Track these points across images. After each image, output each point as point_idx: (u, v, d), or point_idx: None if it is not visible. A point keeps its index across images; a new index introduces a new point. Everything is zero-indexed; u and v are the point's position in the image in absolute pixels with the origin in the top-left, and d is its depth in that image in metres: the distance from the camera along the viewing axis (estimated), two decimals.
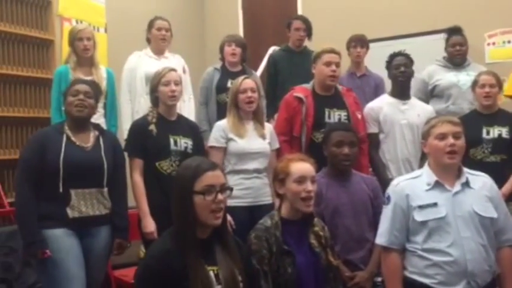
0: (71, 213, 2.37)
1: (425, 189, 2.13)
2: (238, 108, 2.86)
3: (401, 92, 3.22)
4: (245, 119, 2.86)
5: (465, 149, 2.21)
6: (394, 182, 2.25)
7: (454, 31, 3.81)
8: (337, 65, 3.02)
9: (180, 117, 2.86)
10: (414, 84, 3.56)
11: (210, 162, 1.88)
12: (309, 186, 2.10)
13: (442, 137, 2.12)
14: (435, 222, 2.06)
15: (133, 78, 3.59)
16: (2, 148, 3.95)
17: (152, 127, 2.66)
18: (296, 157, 2.21)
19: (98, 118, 3.16)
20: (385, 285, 2.21)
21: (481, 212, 2.08)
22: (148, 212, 2.60)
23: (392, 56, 3.26)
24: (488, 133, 3.08)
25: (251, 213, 2.68)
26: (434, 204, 2.08)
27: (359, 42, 3.98)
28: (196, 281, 1.67)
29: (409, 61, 3.21)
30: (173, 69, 2.83)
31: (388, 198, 2.19)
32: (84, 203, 2.40)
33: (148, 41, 3.73)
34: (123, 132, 3.43)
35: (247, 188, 2.76)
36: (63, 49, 4.10)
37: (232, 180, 2.67)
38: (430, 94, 3.75)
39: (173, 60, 3.67)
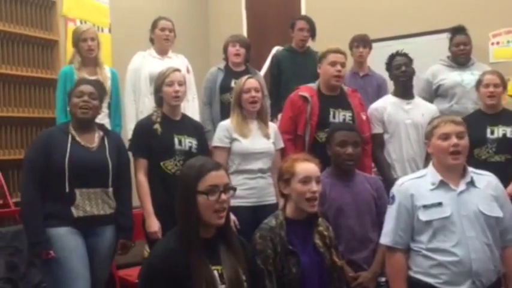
0: (75, 212, 2.38)
1: (430, 188, 2.13)
2: (242, 108, 2.86)
3: (404, 91, 3.21)
4: (249, 118, 2.86)
5: (469, 149, 2.20)
6: (398, 182, 2.25)
7: (457, 30, 3.80)
8: (343, 65, 3.02)
9: (185, 117, 2.86)
10: (418, 83, 3.55)
11: (213, 162, 1.89)
12: (314, 186, 2.11)
13: (445, 137, 2.12)
14: (440, 221, 2.06)
15: (138, 78, 3.60)
16: (7, 148, 3.97)
17: (157, 126, 2.67)
18: (301, 157, 2.21)
19: (103, 118, 3.17)
20: (390, 285, 2.20)
21: (486, 211, 2.07)
22: (153, 212, 2.61)
23: (392, 57, 3.26)
24: (492, 133, 3.08)
25: (255, 213, 2.68)
26: (439, 204, 2.08)
27: (362, 42, 3.97)
28: (200, 280, 1.68)
29: (408, 60, 3.22)
30: (177, 70, 2.84)
31: (393, 197, 2.19)
32: (89, 203, 2.41)
33: (152, 41, 3.74)
34: (127, 132, 3.43)
35: (251, 188, 2.76)
36: (68, 49, 4.12)
37: (236, 180, 2.67)
38: (434, 94, 3.74)
39: (177, 60, 3.68)
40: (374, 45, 4.09)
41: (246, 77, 2.92)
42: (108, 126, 3.19)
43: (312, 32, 4.03)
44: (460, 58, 3.74)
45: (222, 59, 3.79)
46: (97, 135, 2.53)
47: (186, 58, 3.82)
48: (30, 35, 4.14)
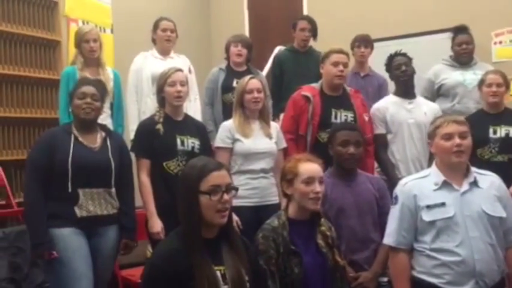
0: (78, 212, 2.38)
1: (433, 189, 2.12)
2: (244, 108, 2.86)
3: (405, 91, 3.21)
4: (251, 118, 2.86)
5: (472, 149, 2.20)
6: (401, 182, 2.25)
7: (460, 30, 3.79)
8: (345, 65, 3.02)
9: (187, 117, 2.86)
10: (421, 83, 3.55)
11: (215, 162, 1.89)
12: (317, 187, 2.11)
13: (448, 137, 2.12)
14: (443, 222, 2.05)
15: (140, 78, 3.60)
16: (10, 148, 3.97)
17: (159, 126, 2.67)
18: (304, 157, 2.21)
19: (105, 119, 3.17)
20: (393, 285, 2.20)
21: (490, 211, 2.07)
22: (155, 212, 2.61)
23: (391, 57, 3.27)
24: (495, 132, 3.07)
25: (257, 213, 2.68)
26: (442, 204, 2.07)
27: (363, 42, 3.97)
28: (203, 280, 1.68)
29: (408, 60, 3.22)
30: (179, 70, 2.84)
31: (396, 198, 2.19)
32: (92, 203, 2.41)
33: (154, 41, 3.75)
34: (129, 132, 3.44)
35: (253, 188, 2.76)
36: (70, 50, 4.12)
37: (238, 180, 2.67)
38: (436, 93, 3.74)
39: (179, 61, 3.68)
40: (376, 45, 4.08)
41: (248, 77, 2.92)
42: (111, 126, 3.19)
43: (314, 32, 4.03)
44: (463, 57, 3.73)
45: (224, 58, 3.79)
46: (99, 136, 2.53)
47: (188, 58, 3.83)
48: (32, 36, 4.15)
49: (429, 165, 2.34)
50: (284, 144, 2.94)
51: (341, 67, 2.99)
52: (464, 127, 2.14)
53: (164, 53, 3.70)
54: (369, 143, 3.01)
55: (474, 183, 2.13)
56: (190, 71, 3.71)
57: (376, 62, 3.89)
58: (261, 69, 4.33)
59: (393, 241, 2.16)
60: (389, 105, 3.20)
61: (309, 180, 2.11)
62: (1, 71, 3.92)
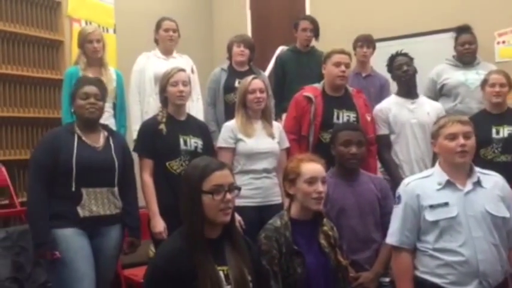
0: (81, 212, 2.38)
1: (436, 188, 2.12)
2: (246, 108, 2.86)
3: (408, 91, 3.21)
4: (253, 118, 2.86)
5: (475, 149, 2.19)
6: (404, 182, 2.24)
7: (462, 30, 3.79)
8: (347, 65, 3.03)
9: (190, 117, 2.87)
10: (424, 83, 3.54)
11: (218, 161, 1.90)
12: (320, 187, 2.11)
13: (453, 137, 2.11)
14: (446, 221, 2.05)
15: (142, 78, 3.61)
16: (13, 148, 3.98)
17: (162, 126, 2.68)
18: (306, 157, 2.21)
19: (108, 119, 3.18)
20: (396, 285, 2.20)
21: (493, 211, 2.06)
22: (158, 212, 2.62)
23: (392, 58, 3.27)
24: (498, 133, 3.07)
25: (260, 213, 2.68)
26: (446, 204, 2.07)
27: (365, 42, 3.97)
28: (205, 280, 1.68)
29: (409, 59, 3.22)
30: (182, 70, 2.84)
31: (399, 197, 2.19)
32: (95, 202, 2.42)
33: (156, 41, 3.75)
34: (132, 133, 3.45)
35: (256, 188, 2.76)
36: (73, 50, 4.13)
37: (241, 180, 2.67)
38: (439, 93, 3.74)
39: (181, 61, 3.69)
40: (378, 45, 4.07)
41: (251, 77, 2.92)
42: (113, 126, 3.20)
43: (316, 32, 4.03)
44: (465, 57, 3.73)
45: (226, 58, 3.79)
46: (102, 135, 2.54)
47: (190, 59, 3.83)
48: (35, 36, 4.15)
49: (433, 165, 2.34)
50: (287, 144, 2.94)
51: (343, 67, 2.99)
52: (468, 127, 2.14)
53: (167, 53, 3.71)
54: (372, 143, 3.01)
55: (478, 183, 2.12)
56: (192, 71, 3.72)
57: (379, 62, 3.89)
58: (264, 69, 4.33)
59: (396, 240, 2.16)
60: (391, 105, 3.20)
61: (312, 180, 2.11)
62: (4, 71, 3.92)
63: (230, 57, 3.73)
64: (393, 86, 3.51)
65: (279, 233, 2.07)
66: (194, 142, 2.72)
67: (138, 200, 2.65)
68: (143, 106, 3.57)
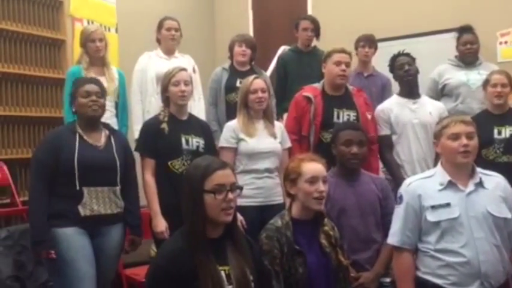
0: (82, 211, 2.38)
1: (438, 189, 2.11)
2: (248, 108, 2.86)
3: (409, 91, 3.21)
4: (255, 118, 2.86)
5: (477, 150, 2.19)
6: (406, 182, 2.24)
7: (464, 30, 3.79)
8: (347, 64, 3.02)
9: (191, 117, 2.87)
10: (426, 83, 3.53)
11: (220, 161, 1.89)
12: (321, 186, 2.11)
13: (455, 137, 2.11)
14: (448, 222, 2.05)
15: (144, 78, 3.61)
16: (15, 147, 3.98)
17: (164, 126, 2.68)
18: (307, 157, 2.21)
19: (110, 118, 3.19)
20: (397, 285, 2.19)
21: (495, 212, 2.06)
22: (159, 212, 2.62)
23: (394, 58, 3.27)
24: (499, 133, 3.06)
25: (262, 213, 2.68)
26: (447, 205, 2.07)
27: (367, 42, 3.97)
28: (207, 280, 1.68)
29: (411, 59, 3.22)
30: (183, 69, 2.84)
31: (401, 197, 2.19)
32: (96, 201, 2.42)
33: (158, 41, 3.75)
34: (133, 132, 3.45)
35: (258, 188, 2.76)
36: (75, 49, 4.14)
37: (243, 179, 2.67)
38: (440, 93, 3.74)
39: (183, 60, 3.69)
40: (380, 45, 4.08)
41: (252, 77, 2.92)
42: (115, 126, 3.21)
43: (316, 31, 4.03)
44: (467, 57, 3.73)
45: (227, 57, 3.79)
46: (104, 134, 2.54)
47: (192, 58, 3.83)
48: (37, 35, 4.16)
49: (435, 165, 2.34)
50: (289, 144, 2.94)
51: (343, 66, 2.99)
52: (471, 127, 2.14)
53: (169, 52, 3.71)
54: (373, 142, 3.01)
55: (479, 184, 2.12)
56: (194, 71, 3.72)
57: (380, 62, 3.89)
58: (265, 69, 4.34)
59: (397, 241, 2.16)
60: (393, 106, 3.19)
61: (313, 180, 2.11)
62: (6, 70, 3.93)
63: (231, 57, 3.73)
64: (395, 86, 3.52)
65: (280, 232, 2.07)
66: (196, 141, 2.72)
67: (139, 199, 2.66)
68: (145, 105, 3.58)
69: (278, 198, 2.79)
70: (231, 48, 3.73)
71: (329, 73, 3.04)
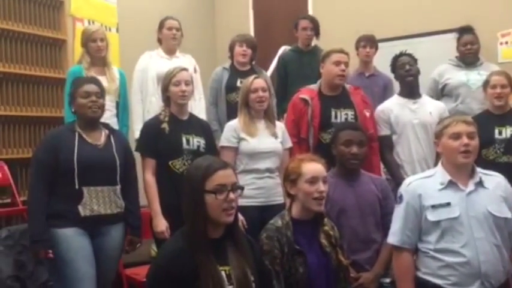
0: (82, 211, 2.38)
1: (438, 188, 2.11)
2: (249, 108, 2.86)
3: (410, 91, 3.21)
4: (256, 118, 2.86)
5: (478, 150, 2.19)
6: (406, 181, 2.24)
7: (464, 30, 3.80)
8: (346, 65, 3.02)
9: (192, 117, 2.87)
10: (426, 84, 3.53)
11: (221, 161, 1.89)
12: (321, 186, 2.11)
13: (456, 136, 2.11)
14: (448, 222, 2.04)
15: (145, 78, 3.61)
16: (16, 147, 3.99)
17: (164, 125, 2.68)
18: (307, 157, 2.21)
19: (110, 118, 3.19)
20: (397, 285, 2.19)
21: (496, 212, 2.06)
22: (160, 212, 2.62)
23: (396, 57, 3.27)
24: (500, 133, 3.06)
25: (262, 213, 2.67)
26: (448, 204, 2.06)
27: (368, 42, 3.98)
28: (207, 280, 1.67)
29: (412, 60, 3.22)
30: (184, 69, 2.84)
31: (401, 197, 2.18)
32: (97, 201, 2.41)
33: (159, 41, 3.75)
34: (133, 132, 3.45)
35: (259, 188, 2.76)
36: (76, 49, 4.14)
37: (244, 179, 2.67)
38: (440, 93, 3.74)
39: (184, 60, 3.69)
40: (381, 45, 4.08)
41: (253, 76, 2.92)
42: (116, 126, 3.21)
43: (316, 30, 4.03)
44: (468, 58, 3.73)
45: (228, 57, 3.79)
46: (103, 134, 2.54)
47: (193, 58, 3.83)
48: (38, 35, 4.16)
49: (436, 165, 2.34)
50: (290, 144, 2.94)
51: (343, 66, 2.99)
52: (472, 127, 2.14)
53: (170, 52, 3.71)
54: (372, 139, 3.00)
55: (480, 184, 2.12)
56: (195, 71, 3.72)
57: (381, 62, 3.89)
58: (266, 68, 4.34)
59: (397, 240, 2.16)
60: (393, 106, 3.20)
61: (313, 180, 2.11)
62: (7, 70, 3.93)
63: (232, 57, 3.73)
64: (397, 85, 3.52)
65: (280, 232, 2.07)
66: (197, 141, 2.72)
67: (139, 198, 2.66)
68: (145, 105, 3.58)
69: (279, 198, 2.78)
70: (231, 48, 3.73)
71: (328, 73, 3.04)
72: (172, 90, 2.73)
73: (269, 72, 4.42)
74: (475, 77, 3.62)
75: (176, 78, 2.74)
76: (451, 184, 2.11)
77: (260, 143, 2.79)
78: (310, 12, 5.16)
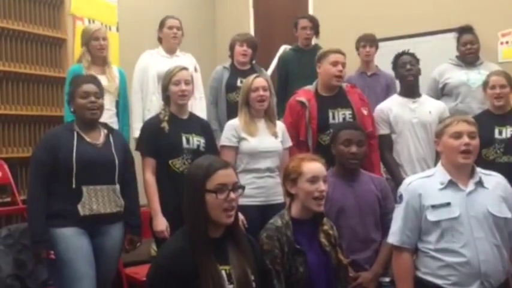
0: (81, 210, 2.38)
1: (438, 188, 2.11)
2: (249, 107, 2.86)
3: (410, 90, 3.21)
4: (257, 117, 2.86)
5: (478, 150, 2.19)
6: (406, 181, 2.24)
7: (464, 30, 3.80)
8: (343, 65, 3.02)
9: (192, 116, 2.87)
10: (426, 83, 3.53)
11: (221, 160, 1.89)
12: (322, 185, 2.11)
13: (457, 135, 2.11)
14: (448, 222, 2.04)
15: (145, 77, 3.61)
16: (16, 146, 3.98)
17: (164, 125, 2.68)
18: (308, 157, 2.22)
19: (110, 117, 3.19)
20: (396, 285, 2.19)
21: (496, 212, 2.06)
22: (160, 211, 2.62)
23: (397, 56, 3.27)
24: (500, 133, 3.06)
25: (262, 213, 2.67)
26: (448, 204, 2.07)
27: (368, 42, 3.98)
28: (208, 279, 1.68)
29: (414, 59, 3.22)
30: (184, 68, 2.84)
31: (401, 197, 2.18)
32: (96, 200, 2.41)
33: (160, 40, 3.75)
34: (133, 130, 3.45)
35: (259, 187, 2.76)
36: (76, 48, 4.13)
37: (244, 179, 2.66)
38: (440, 92, 3.74)
39: (185, 59, 3.69)
40: (382, 44, 4.08)
41: (253, 76, 2.92)
42: (116, 125, 3.21)
43: (315, 29, 4.03)
44: (468, 57, 3.74)
45: (228, 56, 3.79)
46: (102, 133, 2.54)
47: (193, 57, 3.83)
48: (38, 33, 4.16)
49: (436, 165, 2.34)
50: (290, 143, 2.94)
51: (340, 67, 2.98)
52: (473, 127, 2.14)
53: (170, 51, 3.71)
54: (371, 137, 3.00)
55: (479, 184, 2.12)
56: (196, 70, 3.72)
57: (382, 61, 3.89)
58: (266, 68, 4.34)
59: (397, 240, 2.16)
60: (392, 105, 3.20)
61: (314, 179, 2.11)
62: (7, 69, 3.93)
63: (232, 56, 3.73)
64: (398, 85, 3.52)
65: (280, 232, 2.07)
66: (197, 140, 2.72)
67: (139, 198, 2.65)
68: (146, 104, 3.57)
69: (279, 197, 2.78)
70: (231, 48, 3.73)
71: (325, 73, 3.03)
72: (172, 89, 2.73)
73: (269, 72, 4.42)
74: (475, 76, 3.62)
75: (176, 78, 2.74)
76: (451, 184, 2.11)
77: (260, 143, 2.79)
78: (311, 11, 5.16)
